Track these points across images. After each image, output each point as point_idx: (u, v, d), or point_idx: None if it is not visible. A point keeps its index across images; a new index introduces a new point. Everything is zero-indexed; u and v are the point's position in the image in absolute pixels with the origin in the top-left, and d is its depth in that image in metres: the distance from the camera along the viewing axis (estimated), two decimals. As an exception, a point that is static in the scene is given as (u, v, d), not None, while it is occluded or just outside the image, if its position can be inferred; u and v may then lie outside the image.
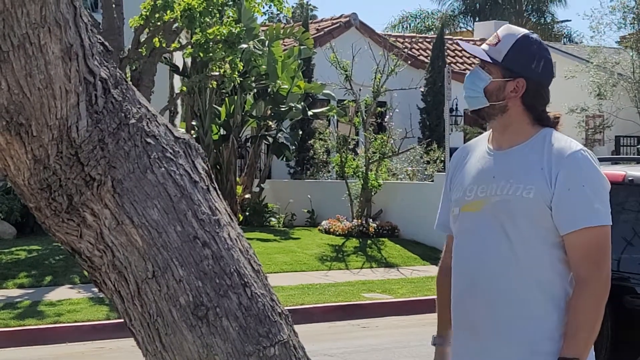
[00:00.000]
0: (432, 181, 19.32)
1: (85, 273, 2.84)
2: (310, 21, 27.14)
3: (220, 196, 2.84)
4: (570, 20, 64.33)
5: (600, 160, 4.13)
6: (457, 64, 28.70)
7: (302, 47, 21.94)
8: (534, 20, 46.19)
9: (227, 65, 17.31)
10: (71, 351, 10.80)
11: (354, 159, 19.59)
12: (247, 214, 20.74)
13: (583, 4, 69.86)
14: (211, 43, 16.42)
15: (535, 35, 3.43)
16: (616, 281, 3.81)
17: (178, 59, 22.25)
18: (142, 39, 16.65)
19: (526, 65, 3.32)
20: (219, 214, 2.77)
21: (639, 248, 6.21)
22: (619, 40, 33.52)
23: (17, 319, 11.52)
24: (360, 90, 19.94)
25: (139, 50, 16.50)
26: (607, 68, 29.94)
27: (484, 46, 3.40)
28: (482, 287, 3.30)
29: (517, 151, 3.33)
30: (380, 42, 23.27)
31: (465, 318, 3.37)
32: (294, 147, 22.95)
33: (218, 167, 20.63)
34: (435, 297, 3.69)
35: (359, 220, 18.78)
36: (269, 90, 21.41)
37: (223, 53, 16.71)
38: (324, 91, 22.24)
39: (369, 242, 18.06)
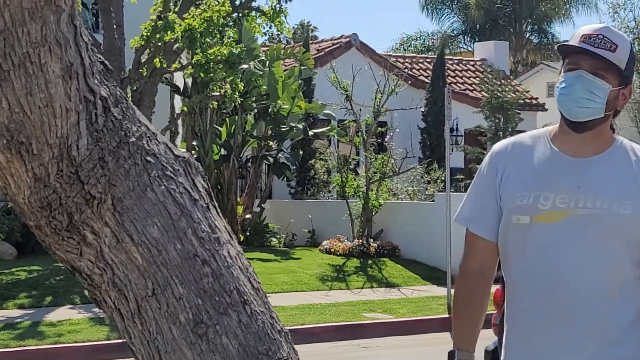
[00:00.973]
0: (433, 201, 19.32)
1: (86, 292, 2.84)
2: (310, 41, 27.21)
3: (220, 214, 2.84)
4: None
5: None
6: (458, 84, 28.74)
7: (302, 67, 22.01)
8: (536, 41, 46.26)
9: (228, 86, 17.35)
10: (71, 371, 10.78)
11: (354, 179, 19.62)
12: (248, 234, 20.74)
13: (585, 22, 70.11)
14: (212, 63, 16.46)
15: None
16: None
17: (179, 79, 22.30)
18: (143, 60, 16.69)
19: (633, 71, 3.12)
20: (218, 232, 2.77)
21: None
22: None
23: (17, 340, 11.49)
24: (360, 110, 19.97)
25: (140, 70, 16.54)
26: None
27: (599, 51, 3.06)
28: (565, 307, 3.04)
29: (601, 160, 3.10)
30: (380, 63, 23.32)
31: (548, 342, 3.08)
32: (294, 167, 22.98)
33: (219, 187, 20.64)
34: (449, 314, 3.50)
35: (360, 240, 18.77)
36: (270, 110, 21.46)
37: (224, 73, 16.75)
38: (325, 111, 22.28)
39: (369, 262, 18.05)
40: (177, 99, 22.42)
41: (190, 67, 17.46)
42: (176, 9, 17.06)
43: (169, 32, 15.91)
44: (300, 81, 21.92)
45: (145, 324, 2.71)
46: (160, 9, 16.56)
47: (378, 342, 12.49)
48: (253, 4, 18.46)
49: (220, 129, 21.66)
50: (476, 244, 3.25)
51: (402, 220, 19.07)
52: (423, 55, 35.99)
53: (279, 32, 22.05)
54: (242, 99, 19.40)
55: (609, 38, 3.06)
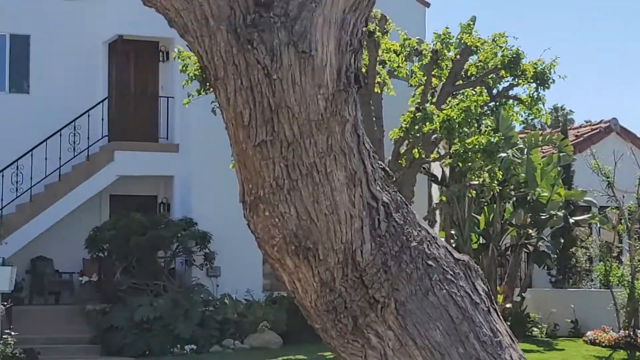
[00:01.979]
0: None
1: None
2: (568, 127, 26.84)
3: (501, 317, 2.84)
4: None
5: None
6: None
7: (561, 154, 21.70)
8: None
9: (486, 174, 17.34)
10: None
11: (618, 267, 19.04)
12: (509, 323, 20.35)
13: None
14: (470, 152, 16.52)
15: None
16: None
17: (436, 168, 22.46)
18: (402, 150, 16.96)
19: None
20: (500, 336, 2.77)
21: None
22: None
23: None
24: (623, 197, 19.44)
25: (399, 161, 16.80)
26: None
27: None
28: None
29: None
30: (643, 147, 22.68)
31: None
32: (555, 256, 22.54)
33: (478, 276, 20.51)
34: None
35: (626, 331, 18.13)
36: (529, 198, 21.24)
37: (482, 162, 16.77)
38: (585, 198, 21.83)
39: (637, 354, 17.36)
40: (434, 188, 22.57)
41: (448, 156, 17.58)
42: (434, 100, 17.28)
43: (427, 123, 16.12)
44: (559, 168, 21.61)
45: None
46: (419, 101, 16.83)
47: None
48: (510, 92, 18.46)
49: (478, 217, 21.61)
50: None
51: (672, 310, 18.28)
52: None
53: (534, 117, 21.95)
54: (500, 187, 19.31)
55: None
